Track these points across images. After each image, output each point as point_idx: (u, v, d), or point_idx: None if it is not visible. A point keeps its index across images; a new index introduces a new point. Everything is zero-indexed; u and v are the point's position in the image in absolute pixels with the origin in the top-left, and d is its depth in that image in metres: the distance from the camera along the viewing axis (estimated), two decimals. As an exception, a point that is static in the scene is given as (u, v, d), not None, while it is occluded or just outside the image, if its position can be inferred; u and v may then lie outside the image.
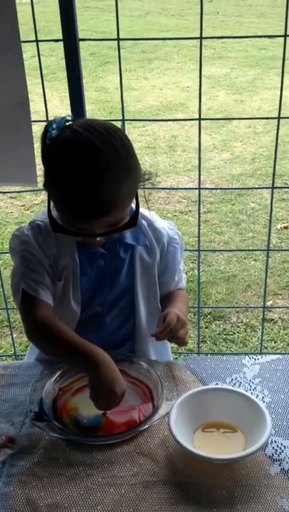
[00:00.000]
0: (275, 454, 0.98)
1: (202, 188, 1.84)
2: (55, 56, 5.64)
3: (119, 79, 1.54)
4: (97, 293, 1.23)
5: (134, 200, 1.12)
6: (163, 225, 1.28)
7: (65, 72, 1.47)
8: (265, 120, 4.74)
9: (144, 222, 1.24)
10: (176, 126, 4.68)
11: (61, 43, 1.43)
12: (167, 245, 1.27)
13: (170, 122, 4.76)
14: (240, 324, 2.49)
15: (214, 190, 3.65)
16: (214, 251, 3.02)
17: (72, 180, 1.02)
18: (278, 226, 3.21)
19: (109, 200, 1.03)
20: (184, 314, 1.21)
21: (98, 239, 1.14)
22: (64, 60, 1.46)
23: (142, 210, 1.24)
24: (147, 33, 7.13)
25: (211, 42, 6.63)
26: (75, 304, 1.21)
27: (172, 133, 4.57)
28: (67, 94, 1.54)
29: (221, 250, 3.03)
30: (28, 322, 1.17)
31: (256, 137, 4.46)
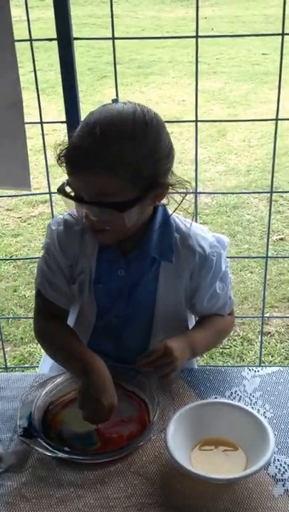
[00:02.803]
0: (279, 473, 0.93)
1: (199, 193, 1.82)
2: (54, 71, 5.67)
3: (115, 90, 1.52)
4: (114, 303, 1.17)
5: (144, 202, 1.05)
6: (201, 242, 1.14)
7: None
8: (260, 134, 4.75)
9: (177, 236, 1.13)
10: (172, 139, 4.68)
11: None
12: (200, 266, 1.14)
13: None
14: (236, 338, 2.44)
15: (210, 203, 3.64)
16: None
17: (80, 127, 1.03)
18: (274, 238, 3.19)
19: (96, 153, 0.98)
20: (197, 346, 1.13)
21: (85, 212, 1.03)
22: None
23: (181, 222, 1.16)
24: (143, 49, 7.19)
25: (205, 58, 6.69)
26: (89, 310, 1.17)
27: (167, 146, 4.57)
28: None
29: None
30: (36, 321, 1.20)
31: (251, 150, 4.47)
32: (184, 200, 1.10)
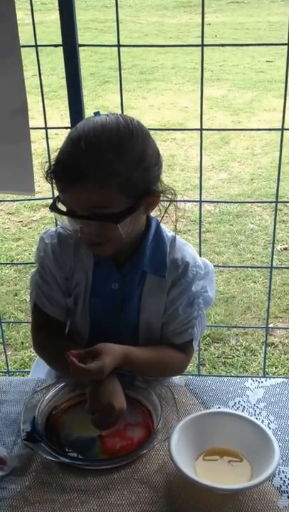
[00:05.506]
0: (284, 485, 0.93)
1: (203, 201, 1.81)
2: (56, 75, 5.69)
3: (119, 97, 1.52)
4: (106, 316, 1.17)
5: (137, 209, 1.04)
6: (187, 258, 1.13)
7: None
8: (264, 142, 4.75)
9: (167, 250, 1.14)
10: (174, 145, 4.69)
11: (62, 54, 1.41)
12: (177, 279, 1.12)
13: (168, 142, 4.77)
14: (239, 348, 2.42)
15: (213, 210, 3.64)
16: (217, 267, 2.98)
17: (66, 143, 1.02)
18: (278, 247, 3.18)
19: (86, 167, 0.98)
20: (131, 361, 1.05)
21: (80, 226, 1.02)
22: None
23: (169, 234, 1.16)
24: (146, 54, 7.20)
25: (209, 65, 6.70)
26: (82, 323, 1.17)
27: (171, 152, 4.57)
28: (67, 111, 1.52)
29: (224, 266, 2.99)
30: (34, 334, 1.20)
31: (254, 158, 4.47)
32: (171, 210, 1.10)
